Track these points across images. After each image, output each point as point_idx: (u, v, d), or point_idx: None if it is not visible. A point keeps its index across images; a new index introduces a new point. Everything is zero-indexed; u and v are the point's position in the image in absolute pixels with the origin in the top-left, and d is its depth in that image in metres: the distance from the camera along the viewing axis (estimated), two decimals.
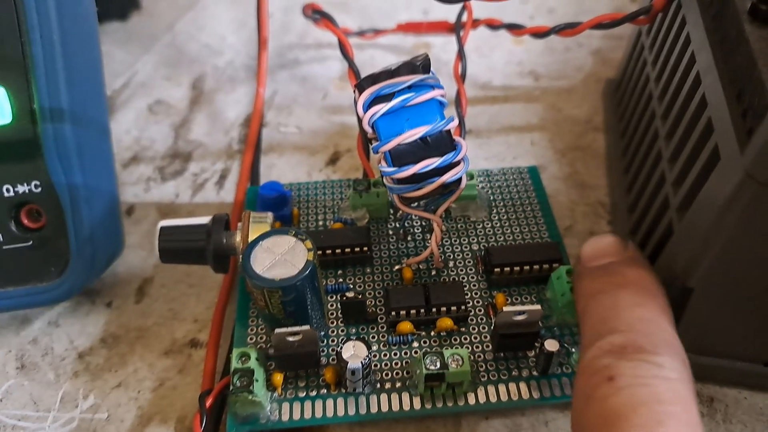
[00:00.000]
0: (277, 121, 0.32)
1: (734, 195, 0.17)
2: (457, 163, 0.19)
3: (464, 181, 0.20)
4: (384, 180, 0.20)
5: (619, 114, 0.30)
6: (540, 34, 0.25)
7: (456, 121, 0.19)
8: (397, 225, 0.25)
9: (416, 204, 0.22)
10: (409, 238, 0.24)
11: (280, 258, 0.19)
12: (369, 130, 0.19)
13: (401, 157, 0.19)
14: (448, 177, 0.19)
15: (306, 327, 0.19)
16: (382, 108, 0.19)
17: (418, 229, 0.25)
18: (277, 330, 0.19)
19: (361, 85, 0.20)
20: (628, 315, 0.15)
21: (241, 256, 0.20)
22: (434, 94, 0.19)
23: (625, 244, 0.18)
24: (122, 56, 0.35)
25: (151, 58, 0.36)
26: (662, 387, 0.13)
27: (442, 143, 0.19)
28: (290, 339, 0.19)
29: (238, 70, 0.35)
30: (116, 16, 0.37)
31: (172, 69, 0.35)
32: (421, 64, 0.20)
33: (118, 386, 0.22)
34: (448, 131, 0.19)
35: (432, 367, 0.19)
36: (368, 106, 0.19)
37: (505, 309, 0.19)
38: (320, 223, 0.25)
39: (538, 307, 0.19)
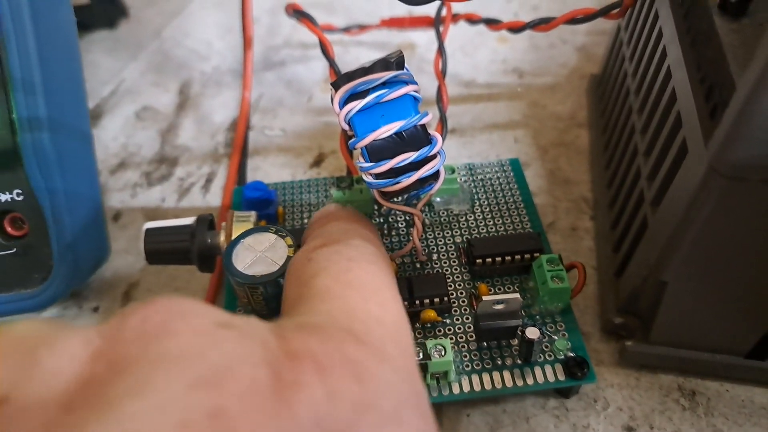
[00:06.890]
0: (262, 124, 0.32)
1: (700, 188, 0.17)
2: (433, 157, 0.19)
3: (442, 175, 0.20)
4: (363, 176, 0.20)
5: (601, 109, 0.30)
6: (516, 29, 0.25)
7: (430, 116, 0.19)
8: (381, 221, 0.25)
9: (398, 199, 0.22)
10: (393, 233, 0.25)
11: (261, 255, 0.19)
12: (345, 127, 0.20)
13: (378, 152, 0.19)
14: (424, 171, 0.19)
15: None
16: (356, 105, 0.19)
17: (402, 224, 0.25)
18: None
19: (336, 83, 0.20)
20: (329, 228, 0.19)
21: None
22: (408, 89, 0.19)
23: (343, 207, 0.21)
24: (110, 64, 0.36)
25: (139, 64, 0.36)
26: (337, 258, 0.17)
27: (417, 138, 0.19)
28: None
29: (224, 74, 0.35)
30: (104, 24, 0.38)
31: (160, 75, 0.35)
32: (395, 61, 0.20)
33: None
34: (423, 126, 0.19)
35: None
36: (344, 103, 0.19)
37: (485, 298, 0.19)
38: (305, 221, 0.25)
39: (516, 295, 0.19)
